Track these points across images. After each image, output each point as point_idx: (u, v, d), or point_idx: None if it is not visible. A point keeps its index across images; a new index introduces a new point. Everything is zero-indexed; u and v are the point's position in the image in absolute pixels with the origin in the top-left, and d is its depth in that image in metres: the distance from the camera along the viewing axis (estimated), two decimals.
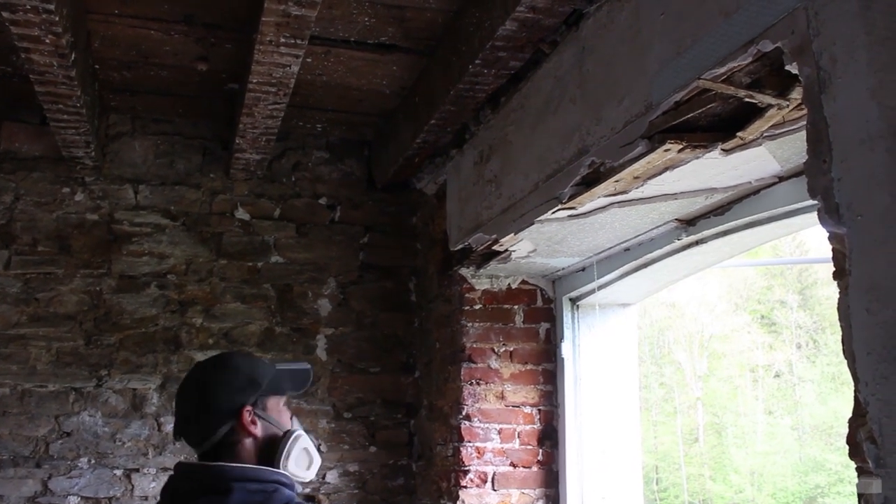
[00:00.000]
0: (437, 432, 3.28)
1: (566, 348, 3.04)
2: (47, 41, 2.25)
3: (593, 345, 3.06)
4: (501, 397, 3.08)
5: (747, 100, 1.60)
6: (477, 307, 3.14)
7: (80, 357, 3.21)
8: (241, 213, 3.52)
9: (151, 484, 3.19)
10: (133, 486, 3.18)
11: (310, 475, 1.75)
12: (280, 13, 2.13)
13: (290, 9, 2.10)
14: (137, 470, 3.19)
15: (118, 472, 3.15)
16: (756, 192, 2.13)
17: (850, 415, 1.30)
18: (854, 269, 1.29)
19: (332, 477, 3.40)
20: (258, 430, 1.67)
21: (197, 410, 1.69)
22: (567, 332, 3.07)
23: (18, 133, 3.29)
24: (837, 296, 1.32)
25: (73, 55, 2.38)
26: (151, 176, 3.43)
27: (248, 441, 1.66)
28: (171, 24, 2.62)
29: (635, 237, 2.58)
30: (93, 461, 3.13)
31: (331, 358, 3.52)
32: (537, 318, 3.16)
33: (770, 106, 1.61)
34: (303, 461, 1.71)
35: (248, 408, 1.66)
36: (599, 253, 2.78)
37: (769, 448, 21.84)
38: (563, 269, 3.02)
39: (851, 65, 1.31)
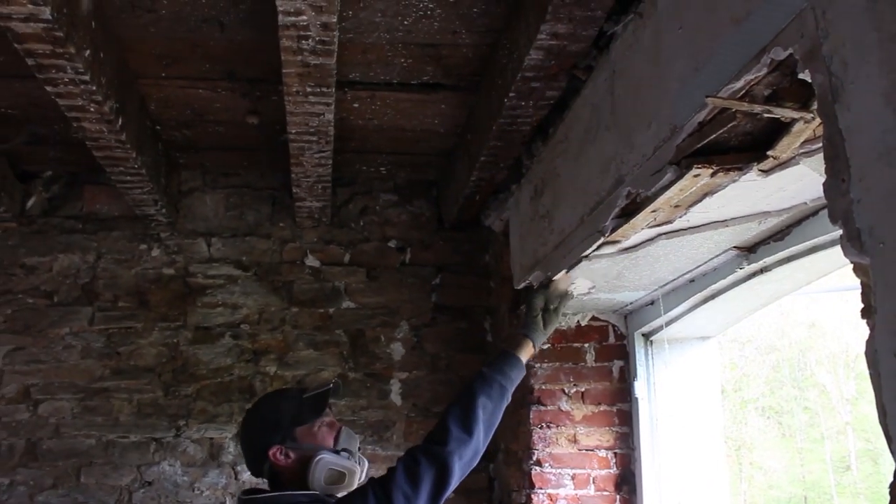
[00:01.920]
0: (512, 478, 3.15)
1: (640, 387, 2.85)
2: (92, 109, 2.34)
3: (670, 382, 2.86)
4: (574, 441, 2.92)
5: (766, 115, 1.43)
6: (545, 347, 3.00)
7: (159, 408, 3.30)
8: (311, 261, 3.55)
9: None
10: None
11: (347, 487, 2.00)
12: (299, 64, 2.12)
13: (308, 59, 2.09)
14: None
15: None
16: (814, 213, 1.92)
17: (891, 478, 1.11)
18: (880, 307, 1.10)
19: None
20: (293, 460, 1.99)
21: (245, 458, 2.14)
22: (640, 370, 2.88)
23: (99, 195, 3.46)
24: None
25: (121, 120, 2.47)
26: (223, 228, 3.51)
27: (289, 472, 2.00)
28: (216, 81, 2.67)
29: (696, 268, 2.39)
30: None
31: (406, 402, 3.46)
32: (609, 355, 2.99)
33: (794, 120, 1.43)
34: (334, 478, 1.98)
35: (276, 447, 1.99)
36: (664, 286, 2.60)
37: None
38: (632, 303, 2.84)
39: (863, 67, 1.14)
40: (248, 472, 2.51)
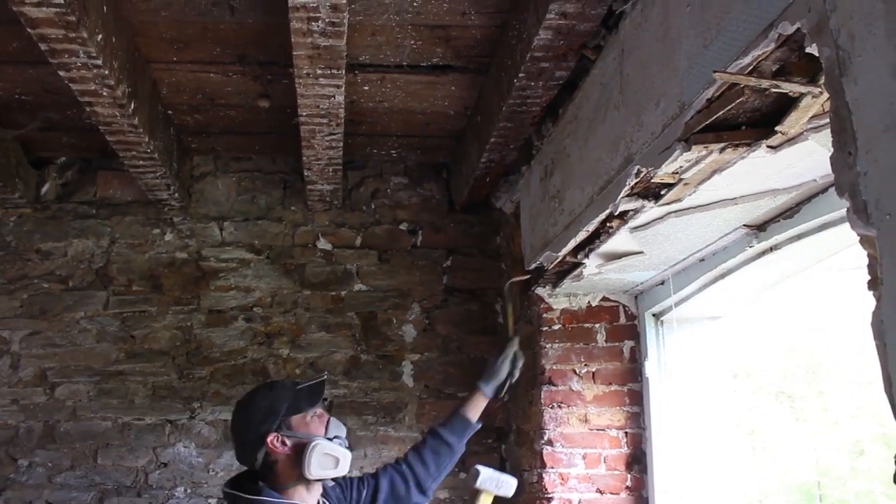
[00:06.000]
0: (524, 458, 3.17)
1: (650, 367, 2.86)
2: (104, 94, 2.36)
3: (681, 362, 2.87)
4: (585, 420, 2.94)
5: (774, 90, 1.43)
6: (556, 327, 3.02)
7: (174, 391, 3.34)
8: (323, 244, 3.57)
9: None
10: None
11: (340, 471, 2.15)
12: (309, 46, 2.13)
13: (318, 40, 2.10)
14: None
15: (212, 501, 3.25)
16: (823, 190, 1.92)
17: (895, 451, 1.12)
18: (886, 278, 1.11)
19: None
20: (289, 448, 2.11)
21: (238, 445, 2.20)
22: (651, 350, 2.89)
23: (112, 180, 3.49)
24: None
25: (133, 104, 2.49)
26: (235, 212, 3.54)
27: (283, 458, 2.12)
28: (227, 65, 2.69)
29: (706, 247, 2.39)
30: (188, 490, 3.25)
31: (417, 384, 3.49)
32: (620, 335, 3.00)
33: (802, 95, 1.43)
34: (328, 463, 2.11)
35: (273, 435, 2.10)
36: (674, 265, 2.61)
37: None
38: (642, 283, 2.85)
39: (870, 40, 1.14)
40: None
